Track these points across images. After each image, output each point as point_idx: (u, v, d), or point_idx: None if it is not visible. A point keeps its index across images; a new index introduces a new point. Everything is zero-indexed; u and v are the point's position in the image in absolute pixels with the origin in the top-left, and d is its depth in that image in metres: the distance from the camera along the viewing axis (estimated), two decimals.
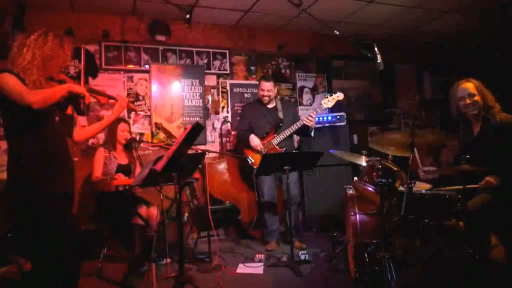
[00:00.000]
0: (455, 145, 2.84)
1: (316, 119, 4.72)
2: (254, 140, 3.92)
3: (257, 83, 4.97)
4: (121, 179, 3.25)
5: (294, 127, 3.88)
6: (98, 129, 2.38)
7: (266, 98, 4.04)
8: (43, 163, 1.95)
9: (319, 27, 4.86)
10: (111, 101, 2.39)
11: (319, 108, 3.94)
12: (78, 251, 2.08)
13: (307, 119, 3.79)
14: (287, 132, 3.91)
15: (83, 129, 2.32)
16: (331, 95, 3.92)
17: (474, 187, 2.46)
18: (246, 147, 4.01)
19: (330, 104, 3.90)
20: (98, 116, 4.16)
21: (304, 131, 3.94)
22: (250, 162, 3.94)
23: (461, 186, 2.37)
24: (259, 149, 3.89)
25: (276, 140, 3.93)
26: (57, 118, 2.06)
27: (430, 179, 2.81)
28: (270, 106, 4.11)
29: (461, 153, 2.62)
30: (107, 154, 3.49)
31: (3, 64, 2.03)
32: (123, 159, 3.56)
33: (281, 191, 4.19)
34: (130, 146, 3.64)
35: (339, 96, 3.90)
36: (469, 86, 2.70)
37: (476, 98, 2.66)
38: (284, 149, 3.95)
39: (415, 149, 2.51)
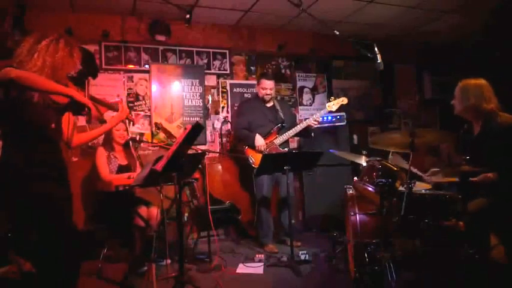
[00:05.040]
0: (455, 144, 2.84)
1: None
2: (259, 141, 3.89)
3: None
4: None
5: (298, 128, 3.90)
6: (93, 136, 2.42)
7: (268, 97, 4.04)
8: (41, 165, 1.94)
9: (319, 27, 4.85)
10: (108, 113, 2.39)
11: (323, 111, 3.96)
12: (78, 251, 2.07)
13: (314, 121, 3.85)
14: (291, 133, 3.92)
15: (78, 134, 2.30)
16: (335, 99, 3.95)
17: (472, 181, 2.45)
18: (248, 146, 3.98)
19: (334, 108, 3.95)
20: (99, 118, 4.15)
21: (304, 132, 3.96)
22: (251, 161, 3.94)
23: (460, 183, 2.38)
24: (262, 149, 3.88)
25: (278, 140, 3.94)
26: (53, 125, 2.04)
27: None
28: (268, 105, 4.11)
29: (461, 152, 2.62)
30: (107, 154, 3.48)
31: (3, 64, 2.02)
32: (123, 160, 3.56)
33: (276, 192, 4.19)
34: (128, 145, 3.63)
35: (343, 100, 3.95)
36: (457, 87, 2.67)
37: (455, 101, 2.67)
38: (286, 149, 3.96)
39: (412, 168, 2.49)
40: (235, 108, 4.71)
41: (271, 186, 4.03)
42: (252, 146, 3.93)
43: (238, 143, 4.38)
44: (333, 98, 4.02)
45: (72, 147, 2.29)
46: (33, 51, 1.93)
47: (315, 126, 3.93)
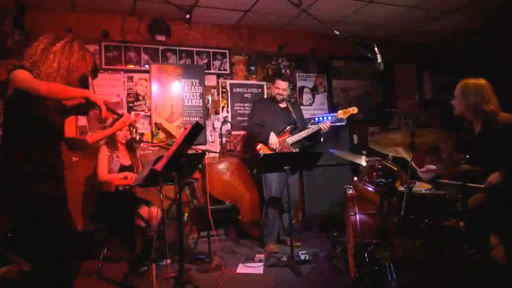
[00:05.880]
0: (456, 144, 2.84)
1: (316, 119, 4.77)
2: (273, 138, 3.94)
3: (258, 83, 5.00)
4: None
5: (310, 130, 3.96)
6: (93, 140, 2.48)
7: (280, 97, 4.11)
8: (42, 165, 1.94)
9: (319, 27, 4.85)
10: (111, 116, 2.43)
11: (335, 117, 4.03)
12: (78, 251, 2.08)
13: (324, 126, 3.93)
14: (303, 134, 3.98)
15: (89, 136, 2.35)
16: (346, 108, 4.03)
17: (477, 187, 2.46)
18: (261, 142, 4.01)
19: (344, 116, 4.02)
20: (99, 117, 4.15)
21: (314, 136, 4.03)
22: (261, 156, 3.95)
23: (461, 183, 2.38)
24: (275, 147, 3.92)
25: (290, 139, 3.99)
26: (56, 128, 2.06)
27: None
28: (282, 106, 4.17)
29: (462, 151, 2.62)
30: (110, 153, 3.49)
31: (3, 64, 2.02)
32: (126, 160, 3.56)
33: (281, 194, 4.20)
34: (131, 146, 3.63)
35: (354, 110, 4.01)
36: (457, 86, 2.67)
37: (455, 101, 2.66)
38: (297, 149, 4.00)
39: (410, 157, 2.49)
40: (240, 111, 4.73)
41: (281, 187, 4.01)
42: (265, 143, 3.96)
43: (251, 138, 4.35)
44: (342, 106, 4.10)
45: (89, 145, 2.41)
46: (48, 53, 1.95)
47: (325, 131, 3.99)
